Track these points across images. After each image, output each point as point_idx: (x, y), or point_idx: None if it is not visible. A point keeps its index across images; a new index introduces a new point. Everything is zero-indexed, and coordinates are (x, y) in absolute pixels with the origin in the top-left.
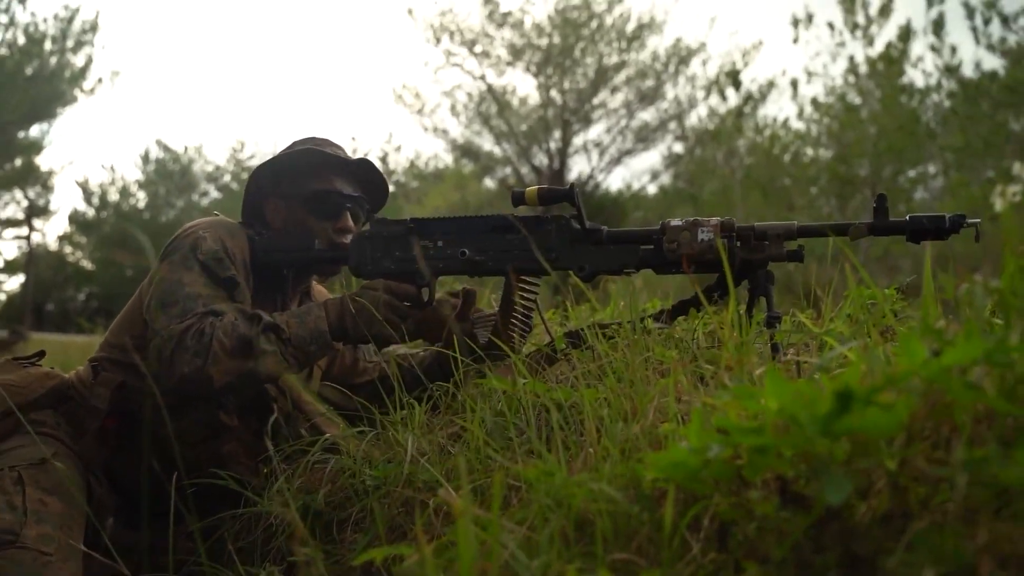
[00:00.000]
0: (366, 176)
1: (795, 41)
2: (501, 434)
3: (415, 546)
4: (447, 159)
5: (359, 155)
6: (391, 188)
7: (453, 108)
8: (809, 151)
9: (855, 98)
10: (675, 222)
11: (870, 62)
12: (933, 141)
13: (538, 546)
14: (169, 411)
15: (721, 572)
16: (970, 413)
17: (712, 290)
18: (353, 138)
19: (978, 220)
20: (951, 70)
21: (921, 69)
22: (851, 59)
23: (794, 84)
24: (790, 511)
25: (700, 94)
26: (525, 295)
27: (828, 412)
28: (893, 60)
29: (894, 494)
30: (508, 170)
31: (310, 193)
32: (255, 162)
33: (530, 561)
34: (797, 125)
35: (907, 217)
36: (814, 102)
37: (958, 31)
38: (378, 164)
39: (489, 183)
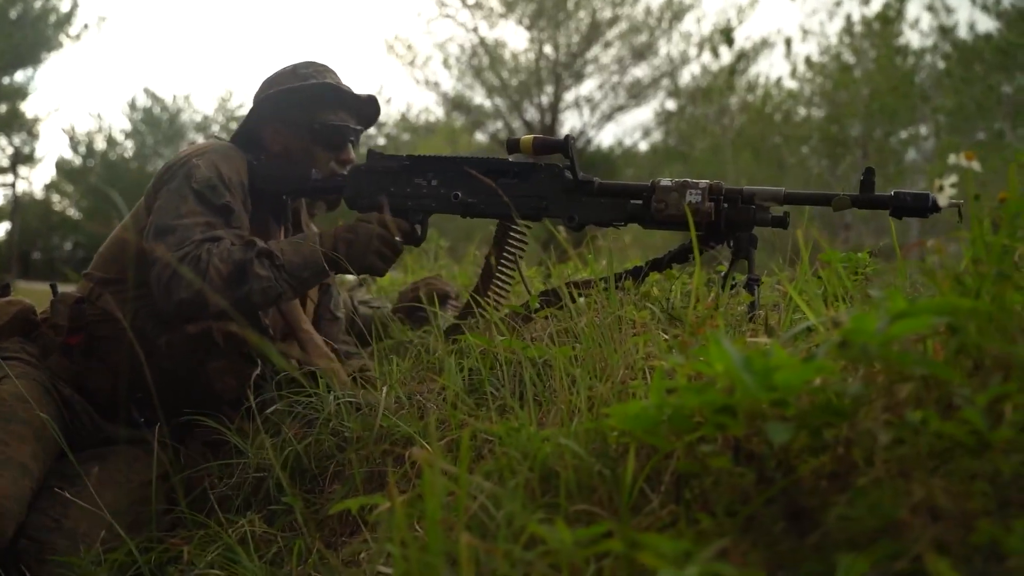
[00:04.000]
0: (367, 109)
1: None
2: (476, 390)
3: (387, 497)
4: (438, 112)
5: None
6: (382, 141)
7: (445, 61)
8: (801, 110)
9: (849, 58)
10: (665, 182)
11: (866, 21)
12: (926, 103)
13: (504, 499)
14: (161, 325)
15: (677, 523)
16: (917, 379)
17: (689, 251)
18: None
19: (961, 201)
20: (946, 31)
21: (918, 30)
22: (847, 18)
23: (788, 42)
24: (743, 467)
25: (693, 51)
26: (513, 245)
27: (767, 368)
28: (889, 20)
29: (841, 452)
30: (499, 124)
31: (319, 124)
32: (243, 112)
33: (496, 512)
34: (790, 84)
35: (891, 193)
36: (808, 61)
37: None
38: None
39: (480, 137)
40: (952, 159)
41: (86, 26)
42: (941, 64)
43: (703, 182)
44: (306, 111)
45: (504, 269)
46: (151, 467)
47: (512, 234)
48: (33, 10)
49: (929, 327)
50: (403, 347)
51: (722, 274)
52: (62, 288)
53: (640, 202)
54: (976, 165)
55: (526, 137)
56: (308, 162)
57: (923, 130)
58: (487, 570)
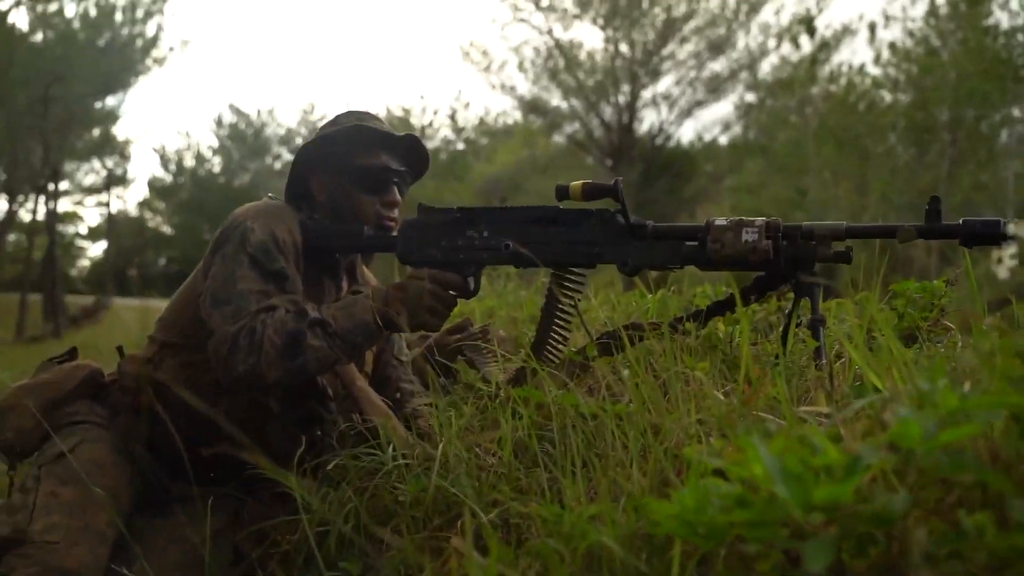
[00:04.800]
0: (411, 148)
1: None
2: (527, 450)
3: None
4: (515, 115)
5: (428, 112)
6: (461, 146)
7: (520, 64)
8: (886, 95)
9: (936, 41)
10: (720, 221)
11: (952, 3)
12: (1020, 85)
13: None
14: (219, 392)
15: None
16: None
17: (750, 291)
18: (422, 97)
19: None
20: None
21: (1007, 9)
22: (931, 1)
23: (871, 28)
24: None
25: (772, 43)
26: (569, 290)
27: (805, 479)
28: (977, 1)
29: (894, 554)
30: (576, 125)
31: (357, 168)
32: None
33: None
34: (874, 71)
35: (960, 221)
36: (892, 46)
37: None
38: (446, 124)
39: (558, 139)
40: (1012, 229)
41: (171, 49)
42: None
43: (759, 220)
44: (344, 155)
45: (560, 318)
46: (215, 522)
47: (567, 282)
48: (120, 37)
49: (973, 434)
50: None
51: (786, 313)
52: (156, 301)
53: (695, 243)
54: None
55: (575, 183)
56: (353, 208)
57: (1016, 112)
58: None
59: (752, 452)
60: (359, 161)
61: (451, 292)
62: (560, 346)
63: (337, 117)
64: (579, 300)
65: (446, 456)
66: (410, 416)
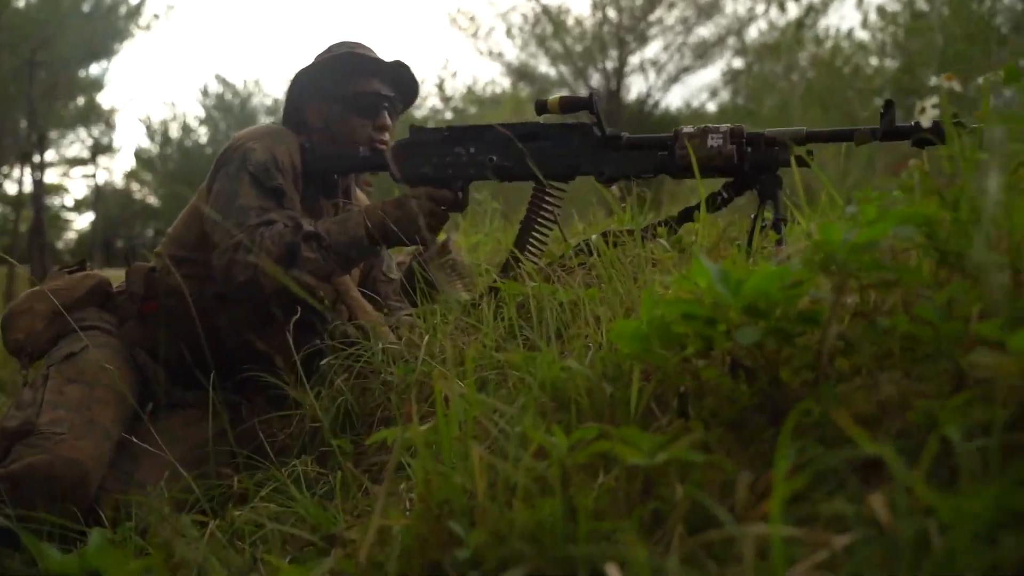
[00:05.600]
0: (401, 76)
1: None
2: (513, 337)
3: (409, 420)
4: (504, 83)
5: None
6: (450, 115)
7: (508, 31)
8: (873, 61)
9: (923, 5)
10: (687, 129)
11: None
12: (1004, 48)
13: (515, 416)
14: (222, 303)
15: (681, 437)
16: (888, 285)
17: (716, 195)
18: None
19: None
20: None
21: None
22: None
23: None
24: (739, 381)
25: (760, 7)
26: (551, 200)
27: (739, 279)
28: None
29: (820, 358)
30: (565, 92)
31: (351, 94)
32: None
33: (511, 429)
34: (861, 35)
35: (912, 123)
36: (879, 10)
37: None
38: (434, 93)
39: None
40: (934, 80)
41: (156, 16)
42: (1020, 5)
43: (724, 126)
44: (338, 82)
45: (541, 226)
46: (215, 424)
47: (547, 192)
48: (104, 3)
49: (889, 233)
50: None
51: (751, 217)
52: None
53: (666, 152)
54: (956, 85)
55: (552, 98)
56: (347, 132)
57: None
58: (501, 480)
59: (698, 265)
60: (352, 87)
61: (442, 207)
62: (540, 249)
63: (330, 47)
64: (558, 211)
65: (431, 348)
66: (399, 322)
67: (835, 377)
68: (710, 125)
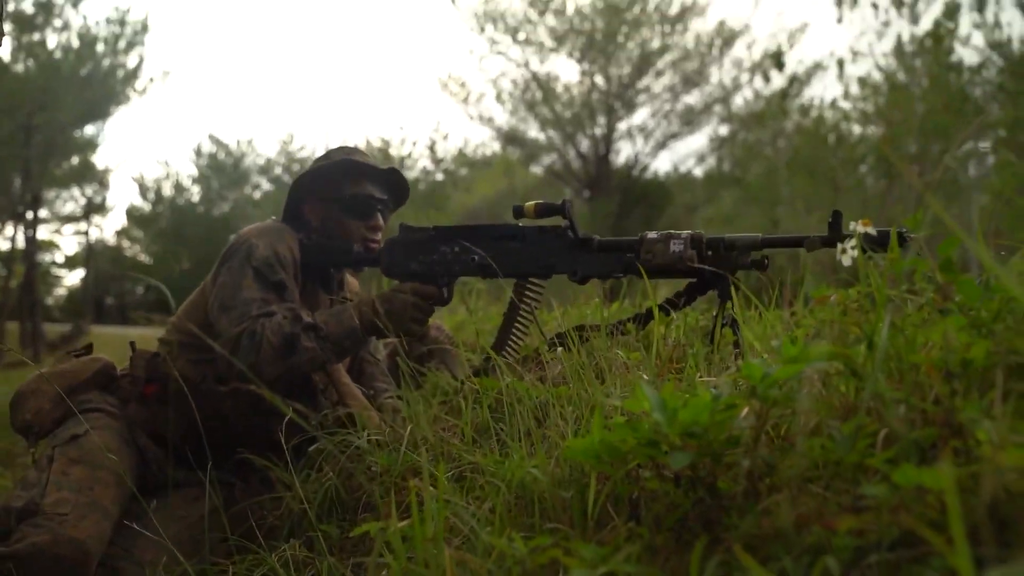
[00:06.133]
0: (393, 180)
1: (839, 21)
2: (486, 429)
3: (387, 518)
4: (494, 147)
5: (407, 143)
6: (440, 177)
7: (499, 96)
8: (856, 129)
9: (902, 76)
10: (651, 234)
11: (916, 40)
12: (980, 116)
13: (486, 519)
14: (231, 390)
15: (631, 538)
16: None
17: (679, 295)
18: (401, 128)
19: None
20: (996, 46)
21: (972, 46)
22: (898, 37)
23: (840, 63)
24: (682, 491)
25: (745, 77)
26: (530, 297)
27: (675, 408)
28: (940, 38)
29: (751, 477)
30: (554, 156)
31: (346, 196)
32: (304, 154)
33: (481, 530)
34: (843, 105)
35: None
36: (861, 81)
37: (1009, 7)
38: (425, 155)
39: (536, 170)
40: (852, 226)
41: (152, 80)
42: (996, 80)
43: (685, 232)
44: (333, 186)
45: (521, 321)
46: (210, 503)
47: (526, 290)
48: (102, 67)
49: (797, 373)
50: (437, 390)
51: (713, 316)
52: (134, 329)
53: (633, 254)
54: (872, 230)
55: (529, 204)
56: (341, 232)
57: (983, 145)
58: None
59: (640, 392)
60: (348, 191)
61: (428, 301)
62: (518, 344)
63: (329, 152)
64: (536, 307)
65: (414, 437)
66: (383, 407)
67: (765, 491)
68: (673, 232)
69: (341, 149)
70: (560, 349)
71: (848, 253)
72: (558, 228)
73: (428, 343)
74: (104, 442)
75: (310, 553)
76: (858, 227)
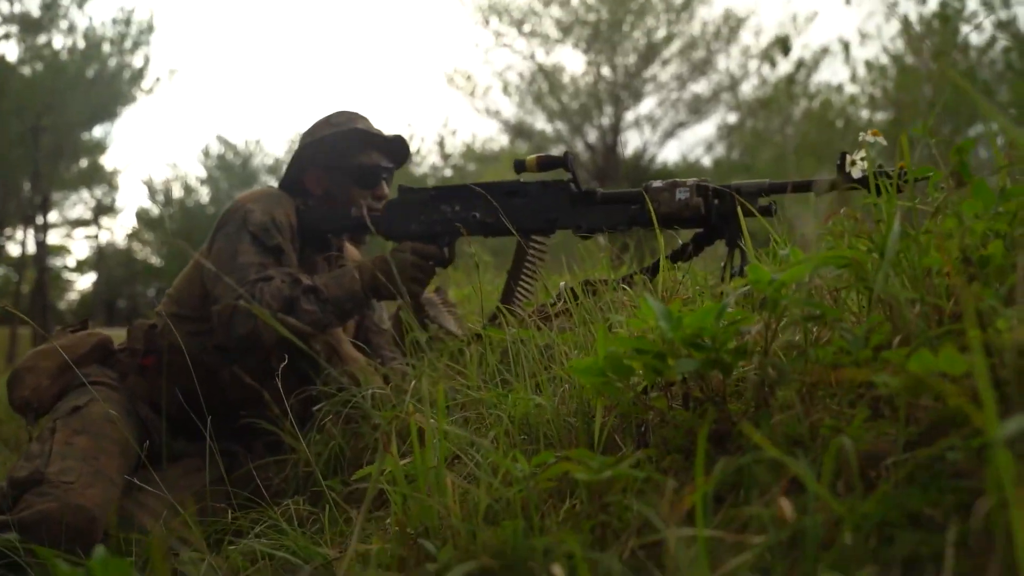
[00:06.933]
0: (397, 147)
1: (848, 2)
2: (491, 378)
3: (388, 453)
4: (502, 140)
5: (416, 139)
6: (449, 172)
7: (505, 88)
8: (864, 114)
9: (909, 58)
10: (656, 183)
11: (924, 21)
12: (990, 98)
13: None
14: (224, 357)
15: (641, 465)
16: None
17: (685, 245)
18: (409, 124)
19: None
20: (1004, 25)
21: (977, 25)
22: (905, 18)
23: (846, 46)
24: (688, 411)
25: (753, 64)
26: (534, 253)
27: (680, 316)
28: (947, 18)
29: (761, 390)
30: (562, 147)
31: (354, 166)
32: None
33: (483, 460)
34: (850, 89)
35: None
36: (868, 64)
37: None
38: (435, 148)
39: None
40: (861, 136)
41: (158, 79)
42: (1001, 58)
43: (691, 180)
44: (340, 155)
45: (525, 278)
46: (213, 471)
47: (531, 246)
48: (108, 68)
49: (814, 272)
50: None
51: (722, 265)
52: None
53: (638, 206)
54: (882, 140)
55: (530, 157)
56: (347, 201)
57: (994, 126)
58: (471, 504)
59: (645, 306)
60: (356, 160)
61: (430, 262)
62: (523, 300)
63: (329, 117)
64: (541, 263)
65: (418, 392)
66: (391, 372)
67: (776, 407)
68: (679, 179)
69: (343, 114)
70: (566, 301)
71: (858, 165)
72: (560, 182)
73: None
74: (106, 413)
75: (314, 508)
76: (867, 136)
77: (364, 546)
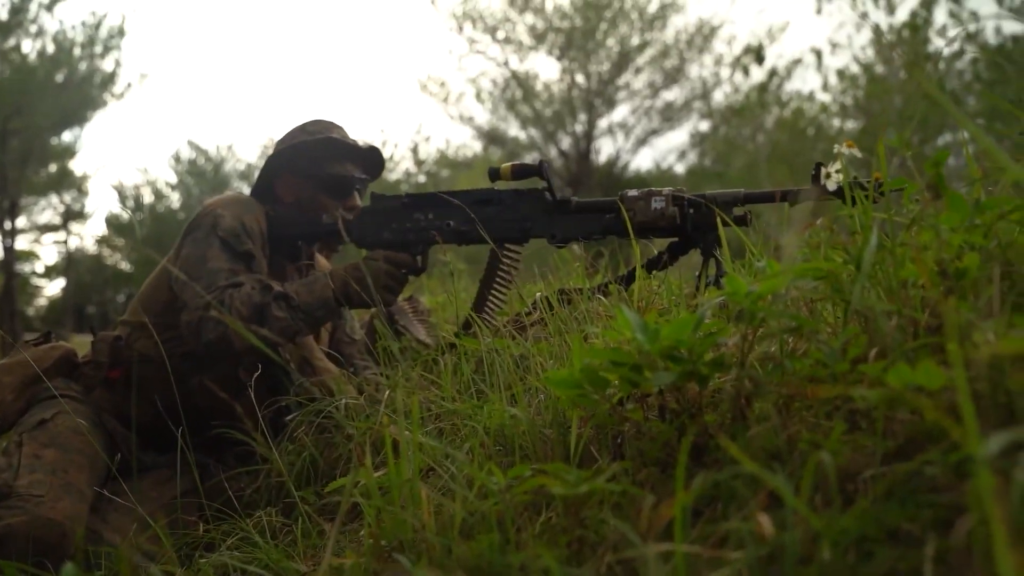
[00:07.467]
0: (371, 158)
1: (818, 12)
2: (466, 389)
3: (363, 467)
4: (476, 147)
5: (389, 146)
6: (423, 179)
7: (478, 95)
8: (836, 122)
9: (880, 68)
10: (632, 193)
11: (894, 31)
12: (959, 107)
13: (464, 463)
14: (193, 365)
15: (617, 477)
16: (791, 331)
17: (661, 255)
18: (382, 131)
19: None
20: (972, 37)
21: (946, 36)
22: (875, 28)
23: (818, 55)
24: (664, 423)
25: (725, 72)
26: (507, 262)
27: (656, 328)
28: (917, 28)
29: (738, 401)
30: (535, 155)
31: (327, 176)
32: None
33: (458, 472)
34: (822, 97)
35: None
36: (839, 73)
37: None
38: (408, 154)
39: None
40: (836, 148)
41: (129, 84)
42: (969, 69)
43: (667, 189)
44: (314, 164)
45: (498, 286)
46: (183, 483)
47: (505, 254)
48: (78, 72)
49: (782, 286)
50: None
51: (696, 275)
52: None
53: (613, 215)
54: (856, 152)
55: (505, 165)
56: (317, 210)
57: (965, 135)
58: (446, 517)
59: (622, 317)
60: (329, 170)
61: (403, 270)
62: (496, 310)
63: (305, 125)
64: (515, 272)
65: (392, 403)
66: (364, 382)
67: (753, 419)
68: (654, 189)
69: (319, 123)
70: (541, 311)
71: (833, 177)
72: (535, 190)
73: (395, 312)
74: (73, 425)
75: (287, 520)
76: (842, 148)
77: (338, 559)
